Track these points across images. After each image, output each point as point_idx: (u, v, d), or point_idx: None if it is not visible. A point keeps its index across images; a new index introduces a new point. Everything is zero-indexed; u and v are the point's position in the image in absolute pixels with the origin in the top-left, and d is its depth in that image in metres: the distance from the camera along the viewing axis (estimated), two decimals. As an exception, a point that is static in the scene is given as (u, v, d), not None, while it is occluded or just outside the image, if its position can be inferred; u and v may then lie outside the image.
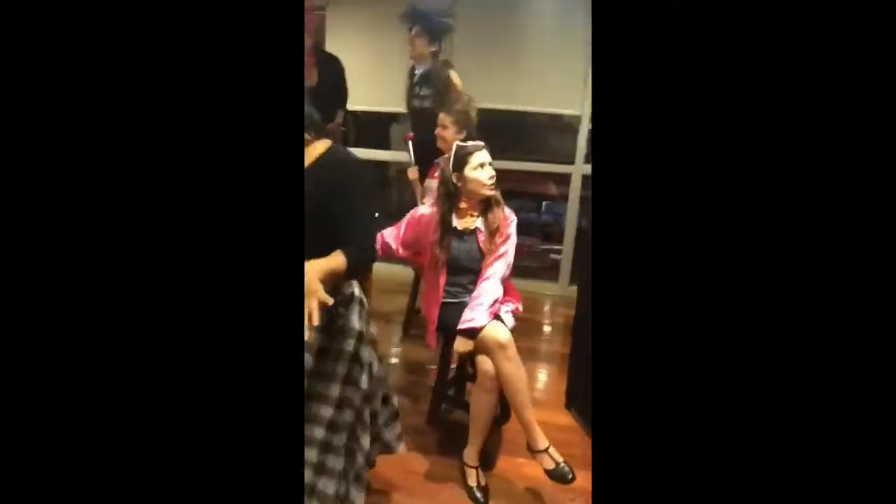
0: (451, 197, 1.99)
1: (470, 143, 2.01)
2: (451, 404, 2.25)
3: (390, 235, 2.11)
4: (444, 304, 2.02)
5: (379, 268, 2.23)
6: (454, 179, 1.96)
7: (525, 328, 2.92)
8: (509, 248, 1.98)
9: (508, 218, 2.00)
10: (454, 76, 2.96)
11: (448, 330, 1.95)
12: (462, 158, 1.96)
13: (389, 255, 2.12)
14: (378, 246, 1.89)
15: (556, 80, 3.86)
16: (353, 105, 3.76)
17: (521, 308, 2.08)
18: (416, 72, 3.03)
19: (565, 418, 2.39)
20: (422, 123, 2.88)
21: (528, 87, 3.90)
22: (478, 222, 1.99)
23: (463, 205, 2.00)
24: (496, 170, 1.98)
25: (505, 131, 3.95)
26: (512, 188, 4.20)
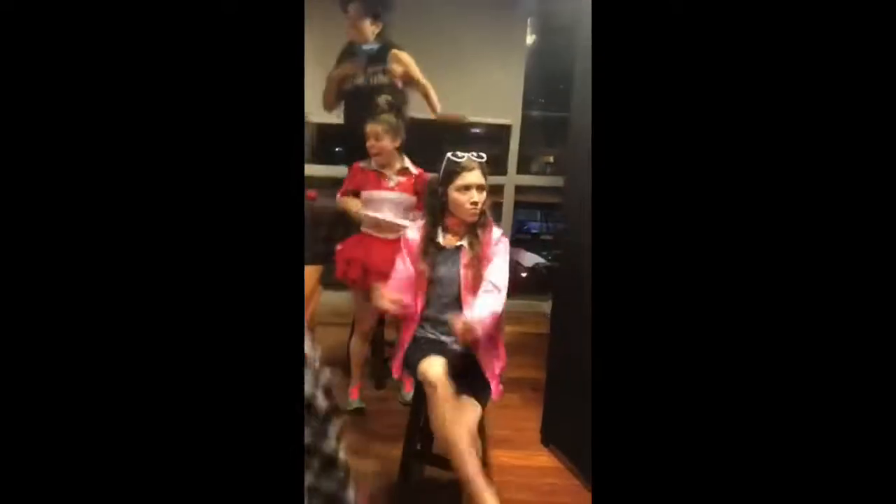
0: (435, 211, 1.80)
1: (464, 156, 1.75)
2: (420, 460, 1.91)
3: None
4: (416, 337, 1.80)
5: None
6: (439, 193, 1.77)
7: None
8: (496, 279, 1.72)
9: (494, 239, 1.78)
10: (407, 57, 2.65)
11: (415, 370, 1.70)
12: (449, 175, 1.75)
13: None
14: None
15: (494, 90, 3.80)
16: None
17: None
18: (364, 48, 2.67)
19: (544, 457, 2.13)
20: (363, 105, 2.51)
21: (463, 95, 3.50)
22: (463, 241, 1.78)
23: (450, 221, 1.80)
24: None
25: (436, 139, 3.43)
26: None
